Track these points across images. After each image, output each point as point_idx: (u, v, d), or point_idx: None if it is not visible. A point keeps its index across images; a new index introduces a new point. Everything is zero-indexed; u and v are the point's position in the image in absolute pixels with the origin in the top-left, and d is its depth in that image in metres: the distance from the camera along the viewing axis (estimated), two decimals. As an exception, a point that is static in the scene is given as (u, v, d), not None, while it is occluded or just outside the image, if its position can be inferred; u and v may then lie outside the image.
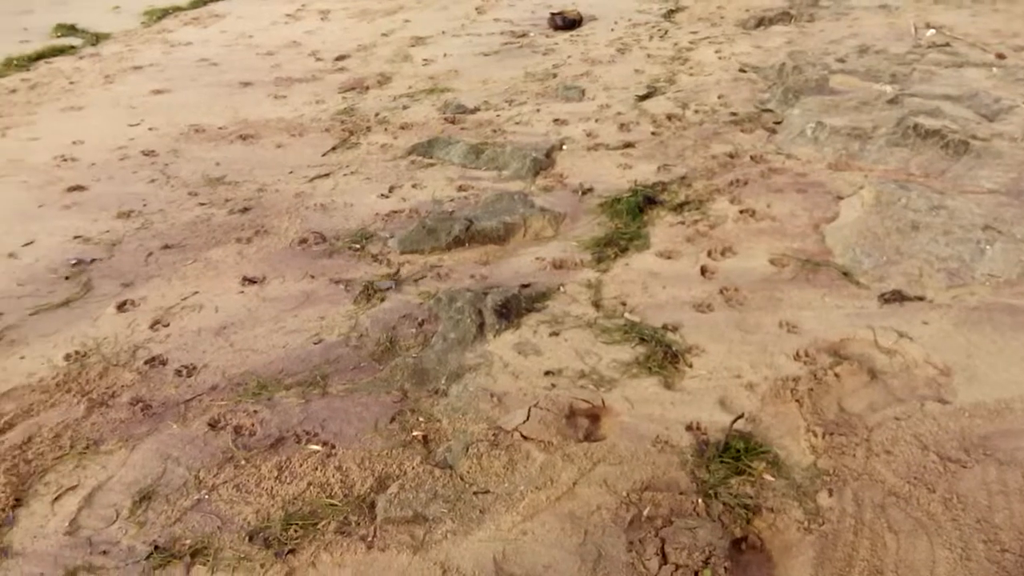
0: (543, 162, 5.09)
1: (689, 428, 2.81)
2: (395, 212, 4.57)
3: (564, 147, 5.33)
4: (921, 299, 3.52)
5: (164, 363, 3.36)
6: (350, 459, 2.76)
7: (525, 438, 2.80)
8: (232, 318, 3.65)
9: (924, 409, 2.85)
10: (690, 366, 3.14)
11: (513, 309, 3.53)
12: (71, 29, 8.97)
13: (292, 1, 9.98)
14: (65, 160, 5.49)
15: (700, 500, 2.47)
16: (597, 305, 3.61)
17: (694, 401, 2.94)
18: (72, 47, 8.38)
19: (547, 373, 3.16)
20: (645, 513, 2.43)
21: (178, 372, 3.30)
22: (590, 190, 4.73)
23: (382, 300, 3.73)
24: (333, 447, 2.83)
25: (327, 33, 8.43)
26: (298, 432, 2.92)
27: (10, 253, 4.25)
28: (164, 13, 9.61)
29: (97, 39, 8.63)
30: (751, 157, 5.07)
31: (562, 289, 3.74)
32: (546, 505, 2.51)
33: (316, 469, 2.72)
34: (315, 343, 3.44)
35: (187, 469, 2.75)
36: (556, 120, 5.78)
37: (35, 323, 3.68)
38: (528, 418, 2.88)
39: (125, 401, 3.12)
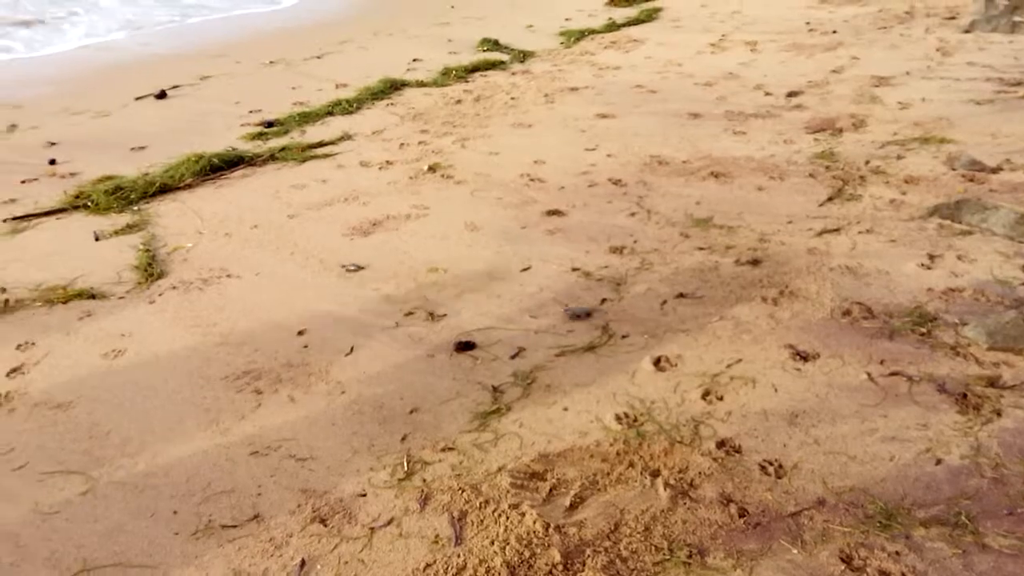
0: None
1: None
2: (952, 290, 3.68)
3: None
4: None
5: (739, 451, 2.76)
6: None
7: None
8: (800, 404, 2.98)
9: None
10: None
11: None
12: (495, 44, 9.15)
13: (710, 31, 9.47)
14: (532, 180, 5.27)
15: None
16: None
17: None
18: (501, 62, 8.47)
19: None
20: None
21: (763, 468, 2.67)
22: None
23: (998, 414, 2.85)
24: (1048, 645, 2.00)
25: (763, 66, 7.75)
26: (980, 604, 2.12)
27: (502, 276, 3.96)
28: (581, 35, 9.54)
29: (524, 56, 8.67)
30: None
31: None
32: None
33: None
34: (935, 463, 2.65)
35: (844, 626, 2.06)
36: (1125, 194, 4.55)
37: (565, 367, 3.29)
38: None
39: (712, 497, 2.54)
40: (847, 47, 8.17)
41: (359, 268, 4.12)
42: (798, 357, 3.28)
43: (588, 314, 3.65)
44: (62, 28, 10.74)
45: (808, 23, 9.43)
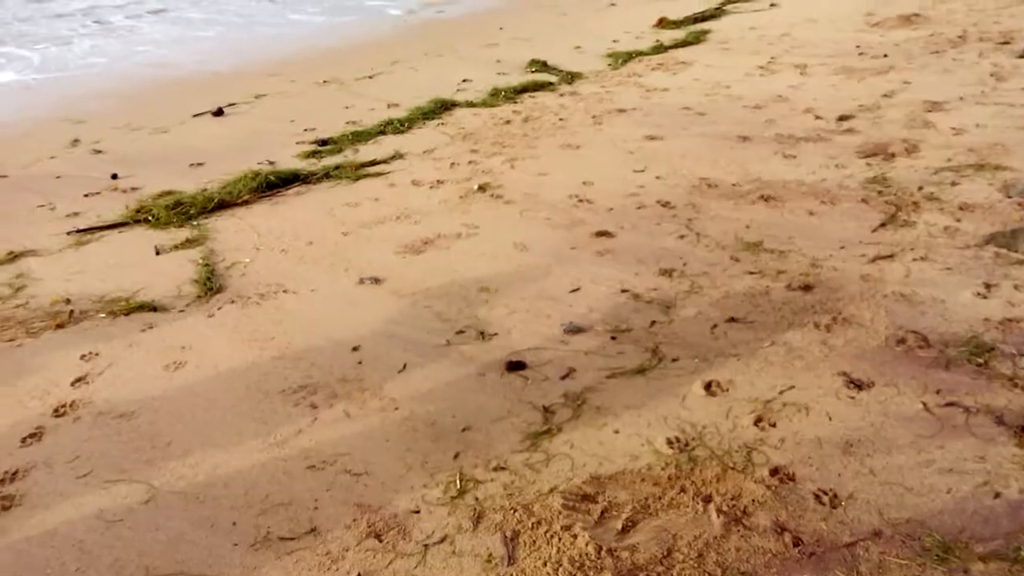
0: None
1: None
2: (1010, 320, 3.63)
3: None
4: None
5: (792, 478, 2.75)
6: None
7: None
8: (854, 433, 2.96)
9: None
10: None
11: None
12: (543, 65, 9.23)
13: (759, 53, 9.44)
14: (580, 201, 5.31)
15: None
16: None
17: None
18: (549, 83, 8.54)
19: None
20: None
21: (817, 497, 2.66)
22: None
23: (1060, 449, 2.80)
24: None
25: (813, 89, 7.71)
26: (1046, 644, 2.08)
27: (552, 296, 3.99)
28: (628, 56, 9.57)
29: (572, 77, 8.73)
30: None
31: None
32: None
33: None
34: (993, 497, 2.61)
35: (902, 660, 2.04)
36: None
37: (615, 390, 3.30)
38: None
39: (766, 525, 2.54)
40: (898, 71, 8.09)
41: (377, 280, 4.19)
42: (852, 385, 3.26)
43: (580, 329, 3.68)
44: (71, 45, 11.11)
45: (858, 47, 9.36)
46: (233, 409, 3.24)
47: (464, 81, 8.73)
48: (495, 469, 2.87)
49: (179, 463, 2.96)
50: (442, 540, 2.55)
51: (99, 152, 6.67)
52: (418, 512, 2.67)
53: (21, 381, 3.54)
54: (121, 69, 9.77)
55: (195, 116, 7.60)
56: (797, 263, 4.30)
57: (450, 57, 10.11)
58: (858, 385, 3.26)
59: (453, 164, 6.12)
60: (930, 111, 6.72)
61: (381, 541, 2.55)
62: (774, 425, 3.04)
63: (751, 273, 4.22)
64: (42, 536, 2.68)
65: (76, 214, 5.40)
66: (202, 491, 2.81)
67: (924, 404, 3.11)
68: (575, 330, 3.75)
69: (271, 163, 6.13)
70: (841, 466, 2.80)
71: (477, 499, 2.72)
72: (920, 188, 5.18)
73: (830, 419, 3.05)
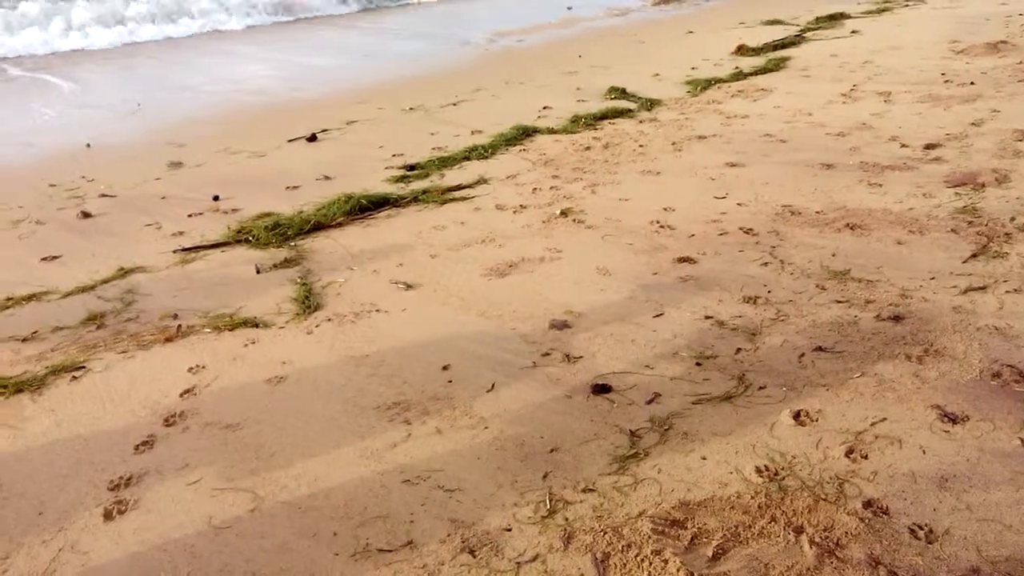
0: None
1: None
2: (1113, 358, 3.51)
3: None
4: None
5: (886, 512, 2.73)
6: None
7: None
8: (950, 468, 2.92)
9: None
10: None
11: None
12: (622, 93, 9.31)
13: (841, 80, 9.34)
14: (662, 227, 5.35)
15: None
16: None
17: None
18: (629, 110, 8.61)
19: None
20: None
21: (913, 532, 2.64)
22: None
23: None
24: None
25: (898, 117, 7.59)
26: None
27: (636, 321, 4.04)
28: (707, 83, 9.58)
29: (651, 104, 8.78)
30: None
31: None
32: None
33: None
34: (1099, 538, 2.54)
35: None
36: None
37: (701, 415, 3.33)
38: None
39: (860, 558, 2.54)
40: (986, 99, 7.90)
41: (409, 286, 4.40)
42: (946, 419, 3.22)
43: (566, 325, 3.93)
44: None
45: (944, 74, 9.17)
46: (332, 423, 3.39)
47: (544, 108, 8.88)
48: (584, 491, 2.93)
49: (282, 474, 3.11)
50: (534, 559, 2.62)
51: (201, 175, 7.01)
52: (510, 530, 2.75)
53: (134, 391, 3.76)
54: (218, 96, 10.25)
55: (290, 141, 7.94)
56: (886, 293, 4.26)
57: (530, 85, 10.28)
58: (952, 419, 3.22)
59: (535, 189, 6.24)
60: (1020, 140, 6.56)
61: (475, 557, 2.63)
62: (866, 457, 3.02)
63: (838, 302, 4.20)
64: (156, 540, 2.84)
65: (181, 233, 5.70)
66: (304, 501, 2.95)
67: (1022, 440, 3.05)
68: (561, 325, 3.83)
69: (327, 177, 6.45)
70: (936, 501, 2.78)
71: (567, 520, 2.78)
72: (1012, 219, 5.07)
73: (924, 453, 3.02)
